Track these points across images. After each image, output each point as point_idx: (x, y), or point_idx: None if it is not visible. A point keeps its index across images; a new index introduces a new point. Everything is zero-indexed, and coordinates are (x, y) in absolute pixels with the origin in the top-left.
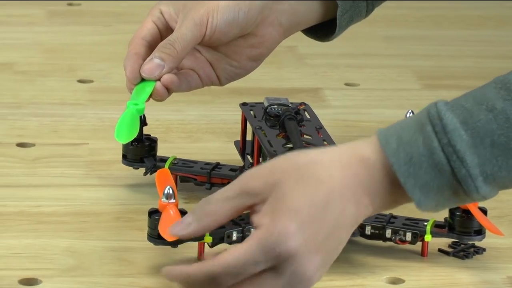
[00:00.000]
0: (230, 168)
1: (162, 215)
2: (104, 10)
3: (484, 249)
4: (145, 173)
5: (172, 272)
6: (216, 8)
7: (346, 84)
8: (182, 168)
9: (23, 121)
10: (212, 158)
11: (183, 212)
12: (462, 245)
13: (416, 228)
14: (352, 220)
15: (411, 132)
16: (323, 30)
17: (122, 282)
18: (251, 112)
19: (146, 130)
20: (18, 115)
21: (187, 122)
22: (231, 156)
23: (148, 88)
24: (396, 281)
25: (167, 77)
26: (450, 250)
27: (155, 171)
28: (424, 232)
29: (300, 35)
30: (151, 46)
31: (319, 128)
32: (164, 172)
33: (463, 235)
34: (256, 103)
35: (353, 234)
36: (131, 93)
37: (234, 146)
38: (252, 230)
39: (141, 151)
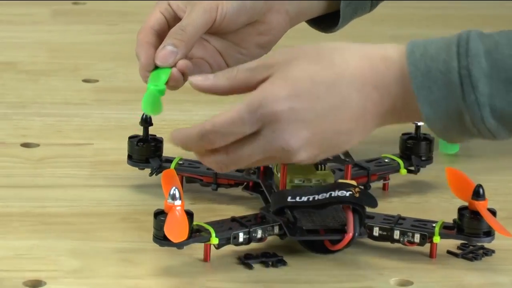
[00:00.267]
0: (236, 169)
1: (168, 216)
2: (109, 9)
3: (493, 251)
4: (151, 174)
5: (174, 136)
6: None
7: None
8: (188, 169)
9: (27, 121)
10: None
11: (189, 213)
12: (471, 247)
13: (424, 229)
14: (357, 111)
15: (437, 48)
16: (327, 21)
17: (127, 284)
18: None
19: (152, 130)
20: (22, 115)
21: (194, 122)
22: None
23: (164, 75)
24: (404, 283)
25: (182, 63)
26: (458, 251)
27: (161, 171)
28: (433, 234)
29: (308, 35)
30: (160, 36)
31: None
32: (170, 172)
33: (472, 237)
34: None
35: (361, 235)
36: (145, 81)
37: None
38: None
39: (147, 152)
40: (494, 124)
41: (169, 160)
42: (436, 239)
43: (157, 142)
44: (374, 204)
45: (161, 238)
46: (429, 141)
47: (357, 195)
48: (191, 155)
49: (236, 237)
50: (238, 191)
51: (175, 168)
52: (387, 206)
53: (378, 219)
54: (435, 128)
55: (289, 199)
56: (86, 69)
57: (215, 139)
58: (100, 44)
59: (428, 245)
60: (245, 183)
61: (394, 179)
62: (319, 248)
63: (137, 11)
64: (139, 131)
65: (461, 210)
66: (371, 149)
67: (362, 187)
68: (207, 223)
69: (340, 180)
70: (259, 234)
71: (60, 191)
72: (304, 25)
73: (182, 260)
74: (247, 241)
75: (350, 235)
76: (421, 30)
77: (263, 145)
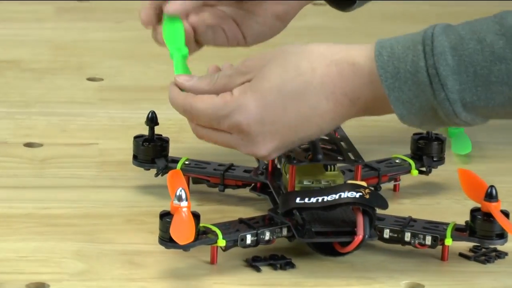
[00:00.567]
0: (244, 169)
1: (174, 217)
2: (114, 6)
3: (506, 253)
4: (157, 174)
5: (171, 96)
6: None
7: None
8: (195, 169)
9: (30, 120)
10: (225, 159)
11: (195, 215)
12: (484, 249)
13: (436, 231)
14: (328, 116)
15: (404, 47)
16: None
17: (132, 286)
18: None
19: (157, 130)
20: (26, 114)
21: None
22: (245, 156)
23: (178, 33)
24: (415, 286)
25: (194, 17)
26: (471, 254)
27: (167, 172)
28: (444, 236)
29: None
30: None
31: (336, 128)
32: (176, 173)
33: (484, 239)
34: None
35: (371, 237)
36: (159, 42)
37: None
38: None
39: (153, 152)
40: (468, 116)
41: (175, 161)
42: (448, 241)
43: (163, 142)
44: (384, 205)
45: (167, 240)
46: (441, 141)
47: (367, 196)
48: (198, 156)
49: (243, 239)
50: (245, 192)
51: (181, 169)
52: (398, 208)
53: (389, 221)
54: (412, 124)
55: (297, 200)
56: (91, 68)
57: (192, 118)
58: (105, 41)
59: (439, 248)
60: (252, 184)
61: (405, 180)
62: (328, 251)
63: None
64: (145, 131)
65: (473, 211)
66: (381, 150)
67: (373, 188)
68: (214, 225)
69: (350, 181)
70: (267, 236)
71: (64, 192)
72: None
73: (188, 262)
74: (255, 243)
75: (360, 237)
76: None
77: (234, 143)
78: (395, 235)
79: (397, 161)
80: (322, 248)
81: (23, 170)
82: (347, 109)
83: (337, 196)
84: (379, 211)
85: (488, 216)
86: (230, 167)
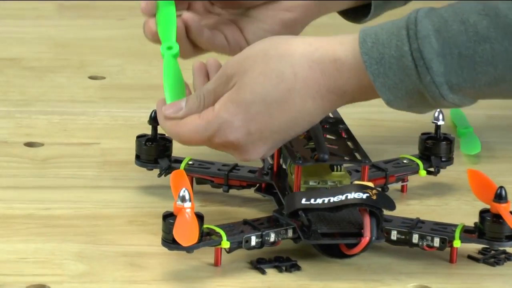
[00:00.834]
0: (248, 170)
1: (177, 219)
2: (116, 3)
3: None
4: (160, 175)
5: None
6: None
7: None
8: (198, 170)
9: (31, 119)
10: (230, 159)
11: (199, 216)
12: (493, 252)
13: (444, 233)
14: (316, 112)
15: (388, 33)
16: (360, 12)
17: None
18: None
19: (161, 130)
20: (26, 113)
21: None
22: None
23: (170, 27)
24: None
25: (187, 14)
26: (480, 256)
27: (170, 172)
28: (453, 238)
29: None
30: None
31: (343, 127)
32: (180, 173)
33: (493, 241)
34: None
35: (378, 239)
36: (151, 38)
37: None
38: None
39: (155, 152)
40: (455, 98)
41: (179, 161)
42: (457, 243)
43: (166, 142)
44: (392, 206)
45: (170, 242)
46: (449, 141)
47: (374, 197)
48: (202, 156)
49: (248, 240)
50: (250, 192)
51: (184, 169)
52: (405, 209)
53: (396, 223)
54: (400, 108)
55: (303, 201)
56: (93, 66)
57: (183, 143)
58: (107, 39)
59: (448, 250)
60: (257, 185)
61: (413, 181)
62: (335, 252)
63: None
64: (148, 130)
65: (482, 213)
66: (389, 150)
67: (380, 189)
68: (218, 226)
69: (357, 182)
70: (272, 237)
71: (65, 192)
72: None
73: (191, 264)
74: (260, 245)
75: (366, 239)
76: None
77: (227, 152)
78: (403, 237)
79: (404, 161)
80: (328, 250)
81: (24, 170)
82: (335, 103)
83: (343, 197)
84: (386, 212)
85: (498, 218)
86: (235, 167)
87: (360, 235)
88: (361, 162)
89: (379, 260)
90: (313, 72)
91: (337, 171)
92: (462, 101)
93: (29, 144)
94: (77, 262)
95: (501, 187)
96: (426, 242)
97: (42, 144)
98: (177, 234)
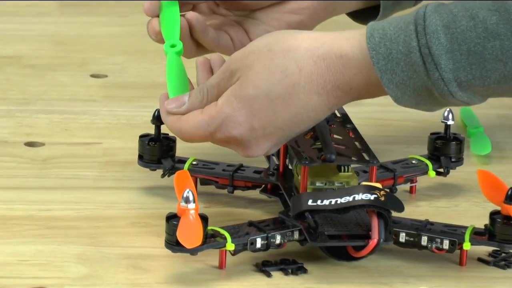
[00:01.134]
0: (254, 170)
1: (181, 220)
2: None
3: None
4: (163, 175)
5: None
6: None
7: None
8: (203, 170)
9: (32, 118)
10: (234, 159)
11: (203, 217)
12: (504, 254)
13: (454, 235)
14: (321, 109)
15: (396, 28)
16: (369, 14)
17: None
18: None
19: (164, 129)
20: (27, 112)
21: None
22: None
23: (174, 23)
24: None
25: (192, 13)
26: (490, 259)
27: (174, 173)
28: (463, 240)
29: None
30: None
31: (350, 127)
32: (183, 174)
33: (504, 243)
34: None
35: (386, 241)
36: (154, 38)
37: None
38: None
39: (159, 152)
40: (464, 95)
41: (183, 161)
42: (466, 245)
43: (170, 142)
44: (400, 208)
45: (173, 244)
46: (459, 141)
47: (383, 198)
48: (206, 156)
49: (253, 242)
50: (255, 193)
51: (188, 169)
52: (414, 210)
53: (405, 224)
54: (407, 106)
55: (310, 202)
56: (95, 64)
57: (186, 140)
58: (109, 36)
59: (457, 252)
60: (263, 186)
61: (422, 182)
62: (342, 255)
63: None
64: (151, 130)
65: (493, 214)
66: (397, 150)
67: (388, 190)
68: (223, 228)
69: (365, 183)
70: (278, 239)
71: (66, 193)
72: None
73: (195, 267)
74: (265, 247)
75: (374, 241)
76: None
77: (229, 148)
78: (411, 239)
79: (413, 161)
80: (335, 252)
81: (24, 170)
82: (340, 99)
83: (351, 198)
84: (394, 214)
85: (508, 219)
86: (240, 167)
87: (368, 237)
88: (369, 162)
89: (387, 263)
90: (318, 67)
91: (344, 171)
92: (471, 99)
93: (30, 144)
94: (78, 264)
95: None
96: (435, 244)
97: (43, 144)
98: (181, 236)
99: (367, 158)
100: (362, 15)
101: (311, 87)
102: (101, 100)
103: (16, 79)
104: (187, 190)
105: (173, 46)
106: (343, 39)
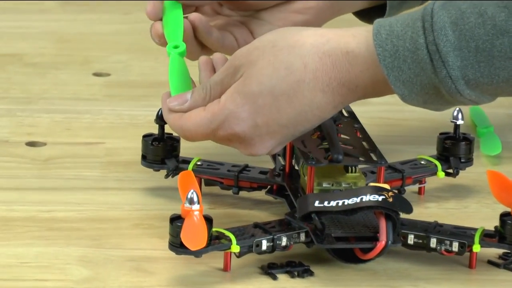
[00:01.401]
0: (259, 171)
1: (185, 221)
2: None
3: None
4: (167, 176)
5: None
6: None
7: None
8: (207, 171)
9: (33, 117)
10: (240, 159)
11: (208, 219)
12: None
13: (463, 237)
14: (326, 107)
15: (403, 25)
16: (376, 14)
17: None
18: None
19: (168, 129)
20: (28, 111)
21: None
22: (261, 157)
23: (177, 27)
24: None
25: (195, 14)
26: (500, 261)
27: (178, 173)
28: (472, 242)
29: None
30: None
31: (358, 127)
32: (187, 174)
33: None
34: None
35: (394, 243)
36: (158, 41)
37: None
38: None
39: (163, 152)
40: (472, 94)
41: (187, 161)
42: (476, 248)
43: (174, 141)
44: (409, 209)
45: (177, 246)
46: (469, 141)
47: (391, 199)
48: (211, 156)
49: (258, 244)
50: (261, 194)
51: (193, 170)
52: (423, 212)
53: (413, 226)
54: (414, 104)
55: (316, 204)
56: (97, 62)
57: (188, 138)
58: (112, 34)
59: (467, 255)
60: (268, 186)
61: (430, 183)
62: (349, 257)
63: None
64: (154, 129)
65: (503, 216)
66: (405, 150)
67: (396, 191)
68: (228, 230)
69: (372, 184)
70: (284, 241)
71: (68, 194)
72: None
73: (200, 269)
74: (271, 249)
75: (382, 243)
76: None
77: (232, 146)
78: (420, 241)
79: (422, 162)
80: (342, 255)
81: (25, 170)
82: (346, 97)
83: (358, 200)
84: (403, 215)
85: None
86: (245, 168)
87: (375, 239)
88: (376, 163)
89: (396, 265)
90: (323, 63)
91: (351, 172)
92: (480, 97)
93: (31, 144)
94: (80, 266)
95: None
96: (444, 246)
97: (44, 144)
98: (185, 237)
99: (375, 158)
100: (368, 14)
101: (316, 84)
102: (103, 99)
103: (17, 77)
104: (192, 191)
105: (176, 47)
106: (349, 36)
